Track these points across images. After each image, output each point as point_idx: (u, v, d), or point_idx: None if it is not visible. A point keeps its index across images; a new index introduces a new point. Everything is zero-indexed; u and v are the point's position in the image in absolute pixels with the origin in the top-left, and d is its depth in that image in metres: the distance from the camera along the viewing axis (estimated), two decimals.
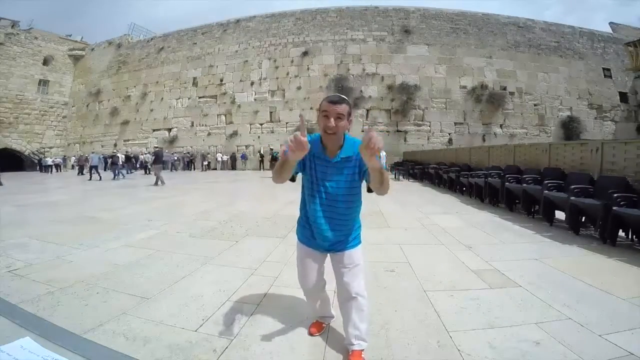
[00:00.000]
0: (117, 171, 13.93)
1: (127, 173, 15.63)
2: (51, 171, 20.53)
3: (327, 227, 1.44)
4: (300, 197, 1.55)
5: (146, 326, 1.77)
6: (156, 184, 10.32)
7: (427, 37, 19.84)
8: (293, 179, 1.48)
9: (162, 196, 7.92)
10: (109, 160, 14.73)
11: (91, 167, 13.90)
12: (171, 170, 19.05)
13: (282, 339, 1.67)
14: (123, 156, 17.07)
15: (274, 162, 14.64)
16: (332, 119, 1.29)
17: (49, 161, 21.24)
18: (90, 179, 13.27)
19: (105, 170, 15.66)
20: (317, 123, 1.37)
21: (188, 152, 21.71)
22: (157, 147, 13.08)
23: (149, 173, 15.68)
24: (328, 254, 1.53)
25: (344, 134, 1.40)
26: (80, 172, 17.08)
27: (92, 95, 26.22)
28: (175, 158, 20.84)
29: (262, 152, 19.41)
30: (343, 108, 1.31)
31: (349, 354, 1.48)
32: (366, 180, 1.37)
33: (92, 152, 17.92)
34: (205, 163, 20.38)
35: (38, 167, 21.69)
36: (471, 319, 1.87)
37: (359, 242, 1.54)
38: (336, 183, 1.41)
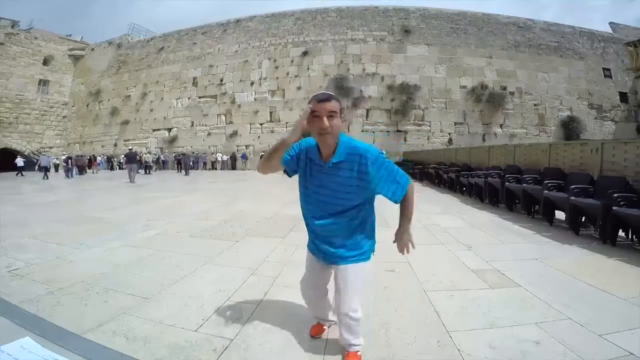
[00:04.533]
0: (68, 171, 15.31)
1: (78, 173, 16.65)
2: (21, 174, 17.34)
3: (322, 237, 1.37)
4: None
5: (146, 326, 1.77)
6: (130, 181, 11.62)
7: (427, 37, 19.83)
8: (289, 175, 1.41)
9: (162, 196, 7.92)
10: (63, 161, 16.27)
11: (43, 168, 15.19)
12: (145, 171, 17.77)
13: (282, 338, 1.67)
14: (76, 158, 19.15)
15: None
16: (324, 119, 1.20)
17: (21, 162, 17.93)
18: (47, 179, 14.30)
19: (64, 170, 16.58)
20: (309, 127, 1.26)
21: (178, 153, 20.94)
22: (130, 149, 14.75)
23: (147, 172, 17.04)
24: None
25: (338, 136, 1.28)
26: (67, 172, 16.64)
27: (92, 95, 26.24)
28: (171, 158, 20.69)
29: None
30: (333, 105, 1.22)
31: (344, 354, 1.49)
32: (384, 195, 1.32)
33: (42, 155, 18.86)
34: (191, 163, 17.72)
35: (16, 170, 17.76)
36: (471, 319, 1.87)
37: (365, 259, 1.39)
38: (330, 191, 1.30)
